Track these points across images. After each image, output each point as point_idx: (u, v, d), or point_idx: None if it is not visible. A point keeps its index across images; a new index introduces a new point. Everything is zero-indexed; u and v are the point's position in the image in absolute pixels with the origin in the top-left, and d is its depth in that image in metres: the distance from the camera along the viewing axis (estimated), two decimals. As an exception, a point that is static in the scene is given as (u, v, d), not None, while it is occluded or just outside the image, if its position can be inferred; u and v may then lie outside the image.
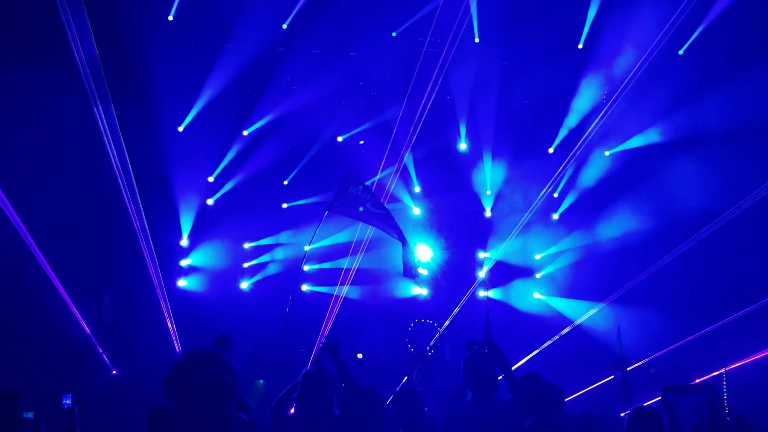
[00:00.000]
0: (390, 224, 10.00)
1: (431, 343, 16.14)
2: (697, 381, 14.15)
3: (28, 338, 13.35)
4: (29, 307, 13.43)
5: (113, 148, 13.35)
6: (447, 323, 16.54)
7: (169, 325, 14.88)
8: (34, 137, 13.20)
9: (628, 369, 11.99)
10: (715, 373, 14.70)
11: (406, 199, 17.45)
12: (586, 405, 14.38)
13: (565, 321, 17.09)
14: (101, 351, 14.34)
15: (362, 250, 15.87)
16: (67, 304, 13.58)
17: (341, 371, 6.17)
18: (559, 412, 6.30)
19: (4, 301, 13.08)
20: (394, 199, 16.88)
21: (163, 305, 14.87)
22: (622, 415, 13.70)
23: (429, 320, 16.45)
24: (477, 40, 15.28)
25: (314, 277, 17.51)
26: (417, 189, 17.53)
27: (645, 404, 8.80)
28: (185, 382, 4.36)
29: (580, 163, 17.00)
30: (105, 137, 13.14)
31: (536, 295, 17.97)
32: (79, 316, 13.83)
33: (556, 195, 17.42)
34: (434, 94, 15.07)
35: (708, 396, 6.72)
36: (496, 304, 17.36)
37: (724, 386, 14.00)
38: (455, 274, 17.72)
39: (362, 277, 16.66)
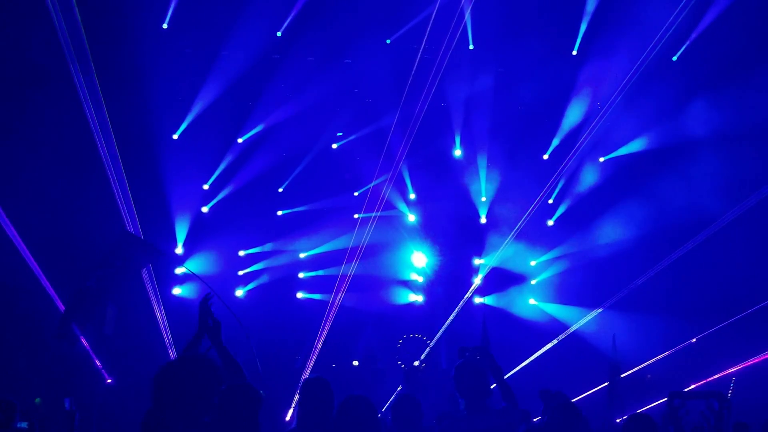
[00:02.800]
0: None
1: (422, 358, 16.12)
2: (693, 387, 14.17)
3: (24, 348, 13.32)
4: (25, 317, 13.40)
5: (108, 155, 13.35)
6: (442, 330, 16.53)
7: (165, 332, 14.85)
8: (29, 146, 13.20)
9: (621, 376, 12.02)
10: (721, 374, 14.70)
11: (401, 205, 17.45)
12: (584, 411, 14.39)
13: (560, 327, 17.08)
14: (97, 360, 14.31)
15: (358, 257, 15.89)
16: (62, 313, 13.54)
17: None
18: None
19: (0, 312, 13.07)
20: (389, 205, 16.89)
21: (158, 313, 14.83)
22: (618, 421, 13.73)
23: (418, 334, 16.42)
24: (471, 47, 15.33)
25: (310, 285, 17.49)
26: (412, 196, 17.53)
27: (639, 411, 8.80)
28: (182, 390, 4.30)
29: (575, 170, 17.02)
30: (100, 144, 13.13)
31: (531, 301, 17.97)
32: (74, 325, 13.79)
33: (551, 201, 17.43)
34: (429, 101, 15.08)
35: (716, 404, 6.68)
36: (490, 310, 17.34)
37: (730, 392, 14.01)
38: (450, 280, 17.73)
39: (358, 284, 16.66)
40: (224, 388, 4.19)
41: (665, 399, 7.10)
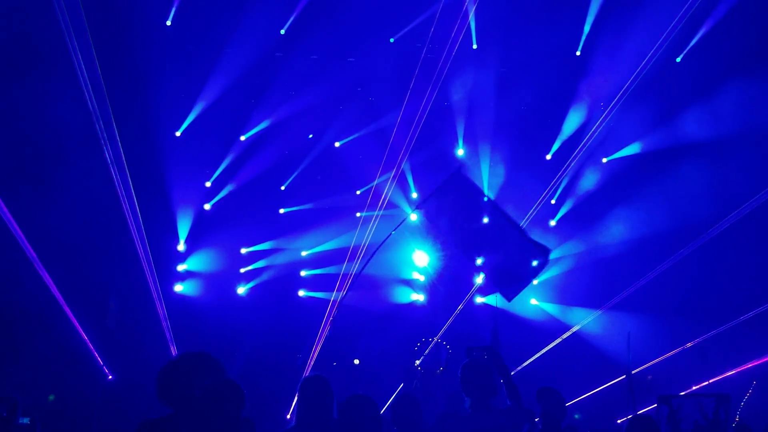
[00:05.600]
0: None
1: (436, 359, 16.06)
2: (695, 388, 14.17)
3: (25, 344, 13.32)
4: (27, 312, 13.40)
5: (111, 152, 13.34)
6: (443, 329, 16.49)
7: (166, 329, 14.85)
8: (32, 142, 13.20)
9: (633, 372, 12.00)
10: (723, 376, 14.71)
11: (403, 205, 17.43)
12: (583, 411, 14.39)
13: (561, 327, 17.06)
14: (98, 356, 14.33)
15: (360, 255, 15.86)
16: (63, 309, 13.56)
17: None
18: (562, 418, 6.33)
19: (1, 307, 13.06)
20: (391, 205, 16.86)
21: (159, 310, 14.84)
22: (619, 422, 13.72)
23: (438, 339, 16.36)
24: (475, 46, 15.30)
25: (311, 283, 17.48)
26: (414, 195, 17.51)
27: (640, 412, 8.79)
28: (184, 386, 4.31)
29: (578, 170, 17.00)
30: (102, 141, 13.12)
31: (533, 301, 17.95)
32: (76, 321, 13.81)
33: (553, 201, 17.41)
34: (432, 100, 15.05)
35: (710, 413, 6.71)
36: (492, 310, 17.32)
37: (749, 394, 14.02)
38: (452, 280, 17.69)
39: (360, 283, 16.63)
40: (207, 383, 4.18)
41: (656, 405, 7.12)
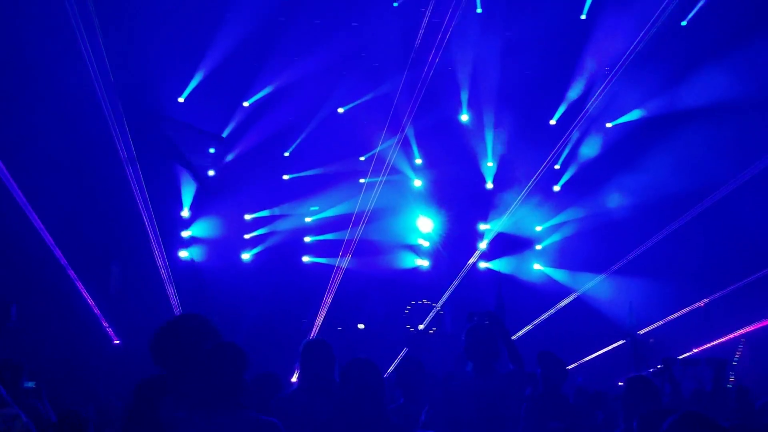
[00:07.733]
0: None
1: (429, 321, 16.16)
2: (695, 351, 14.23)
3: (30, 309, 13.41)
4: (32, 278, 13.48)
5: (115, 120, 13.31)
6: (447, 295, 16.57)
7: (171, 295, 14.93)
8: (35, 109, 13.18)
9: (639, 333, 12.10)
10: (725, 338, 14.75)
11: (407, 170, 17.42)
12: (585, 375, 14.48)
13: (565, 292, 17.12)
14: (105, 321, 14.44)
15: (364, 221, 15.90)
16: (69, 275, 13.64)
17: None
18: (562, 382, 6.39)
19: (7, 274, 13.12)
20: (395, 170, 16.86)
21: (164, 276, 14.90)
22: (620, 384, 13.79)
23: (425, 300, 16.45)
24: (479, 10, 15.19)
25: (316, 249, 17.54)
26: (418, 160, 17.50)
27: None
28: (175, 347, 4.34)
29: (582, 135, 16.94)
30: (106, 109, 13.09)
31: (536, 266, 18.01)
32: (82, 287, 13.90)
33: (557, 167, 17.38)
34: (436, 65, 14.97)
35: (708, 385, 6.79)
36: (496, 275, 17.37)
37: (738, 354, 14.07)
38: (456, 245, 17.75)
39: (364, 249, 16.69)
40: (210, 346, 4.22)
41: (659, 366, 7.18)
